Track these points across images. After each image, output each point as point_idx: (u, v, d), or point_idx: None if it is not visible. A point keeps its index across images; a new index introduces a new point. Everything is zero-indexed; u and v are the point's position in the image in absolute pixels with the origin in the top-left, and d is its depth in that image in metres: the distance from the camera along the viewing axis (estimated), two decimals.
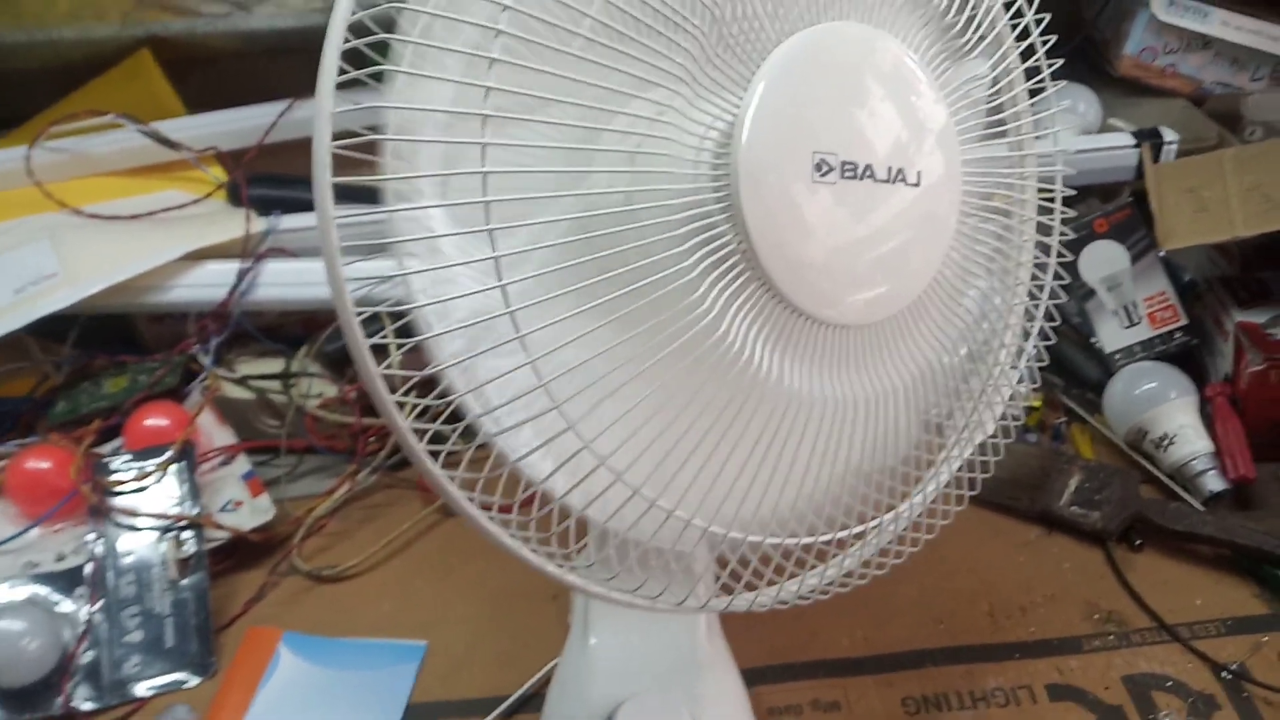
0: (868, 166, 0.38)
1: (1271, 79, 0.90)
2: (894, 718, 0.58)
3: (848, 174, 0.37)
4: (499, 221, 0.33)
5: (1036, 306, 0.49)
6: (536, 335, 0.35)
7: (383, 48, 0.35)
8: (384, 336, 0.36)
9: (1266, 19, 0.87)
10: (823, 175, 0.37)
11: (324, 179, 0.32)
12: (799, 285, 0.37)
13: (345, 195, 0.34)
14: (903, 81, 0.40)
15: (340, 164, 0.34)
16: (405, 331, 0.37)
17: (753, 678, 0.58)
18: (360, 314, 0.34)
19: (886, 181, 0.38)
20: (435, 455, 0.37)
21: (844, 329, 0.40)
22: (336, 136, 0.33)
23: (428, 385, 0.37)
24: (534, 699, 0.60)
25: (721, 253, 0.36)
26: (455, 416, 0.37)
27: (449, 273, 0.37)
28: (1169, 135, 0.83)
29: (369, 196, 0.36)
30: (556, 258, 0.36)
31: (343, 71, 0.33)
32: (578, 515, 0.39)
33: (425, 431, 0.36)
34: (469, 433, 0.37)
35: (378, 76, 0.36)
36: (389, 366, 0.35)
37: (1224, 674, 0.59)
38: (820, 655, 0.62)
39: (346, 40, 0.33)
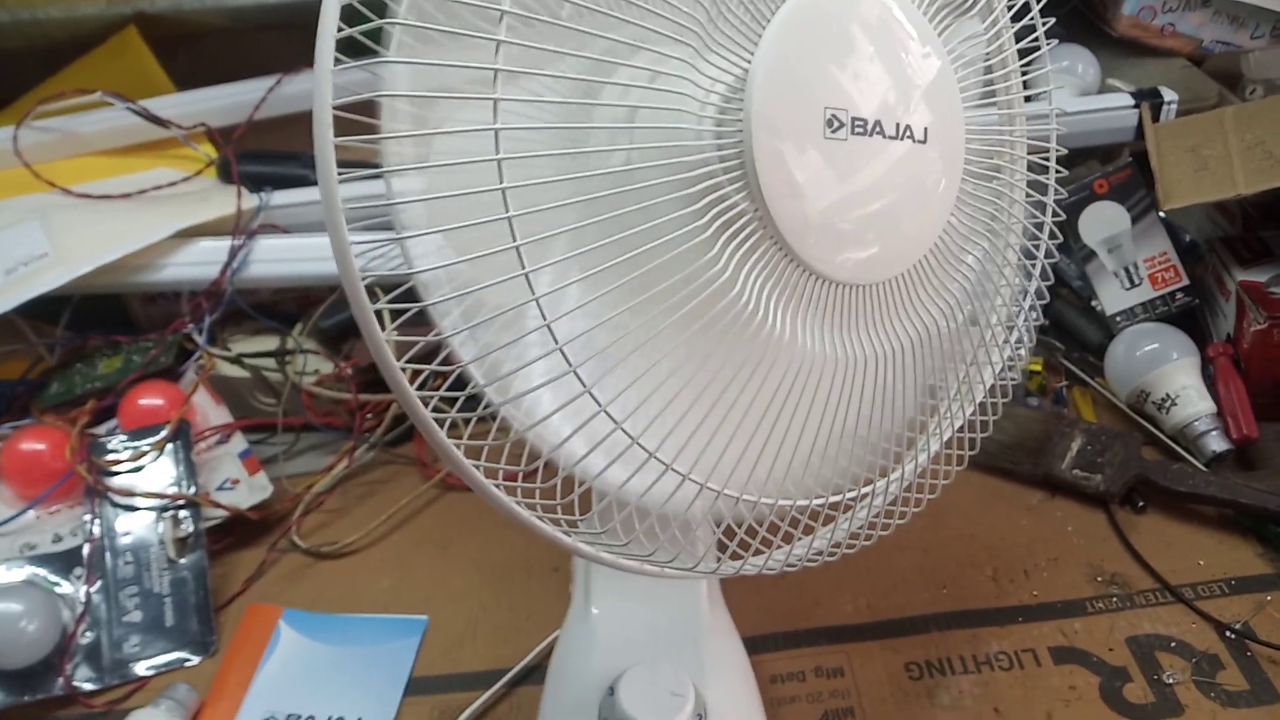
0: (877, 123, 0.37)
1: (1271, 36, 0.89)
2: (897, 683, 0.58)
3: (858, 130, 0.37)
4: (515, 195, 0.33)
5: (1033, 267, 0.48)
6: (549, 299, 0.34)
7: (379, 14, 0.34)
8: (388, 303, 0.35)
9: None
10: (834, 131, 0.36)
11: (326, 138, 0.31)
12: (810, 243, 0.37)
13: (341, 164, 0.33)
14: (906, 37, 0.39)
15: (340, 130, 0.33)
16: (409, 298, 0.36)
17: (755, 645, 0.58)
18: (365, 279, 0.33)
19: (895, 138, 0.38)
20: (442, 424, 0.36)
21: (852, 287, 0.39)
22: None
23: (434, 354, 0.36)
24: (536, 671, 0.60)
25: (733, 212, 0.36)
26: (460, 385, 0.37)
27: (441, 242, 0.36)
28: (1168, 95, 0.82)
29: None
30: (566, 221, 0.35)
31: (340, 30, 0.32)
32: (590, 483, 0.39)
33: (431, 400, 0.35)
34: (474, 401, 0.36)
35: (375, 38, 0.35)
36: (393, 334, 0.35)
37: (1228, 633, 0.59)
38: (823, 622, 0.61)
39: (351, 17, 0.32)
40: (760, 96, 0.35)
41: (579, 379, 0.35)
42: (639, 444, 0.37)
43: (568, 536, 0.40)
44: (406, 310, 0.35)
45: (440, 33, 0.35)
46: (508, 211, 0.32)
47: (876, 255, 0.39)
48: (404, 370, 0.34)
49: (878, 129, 0.37)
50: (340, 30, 0.32)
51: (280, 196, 0.81)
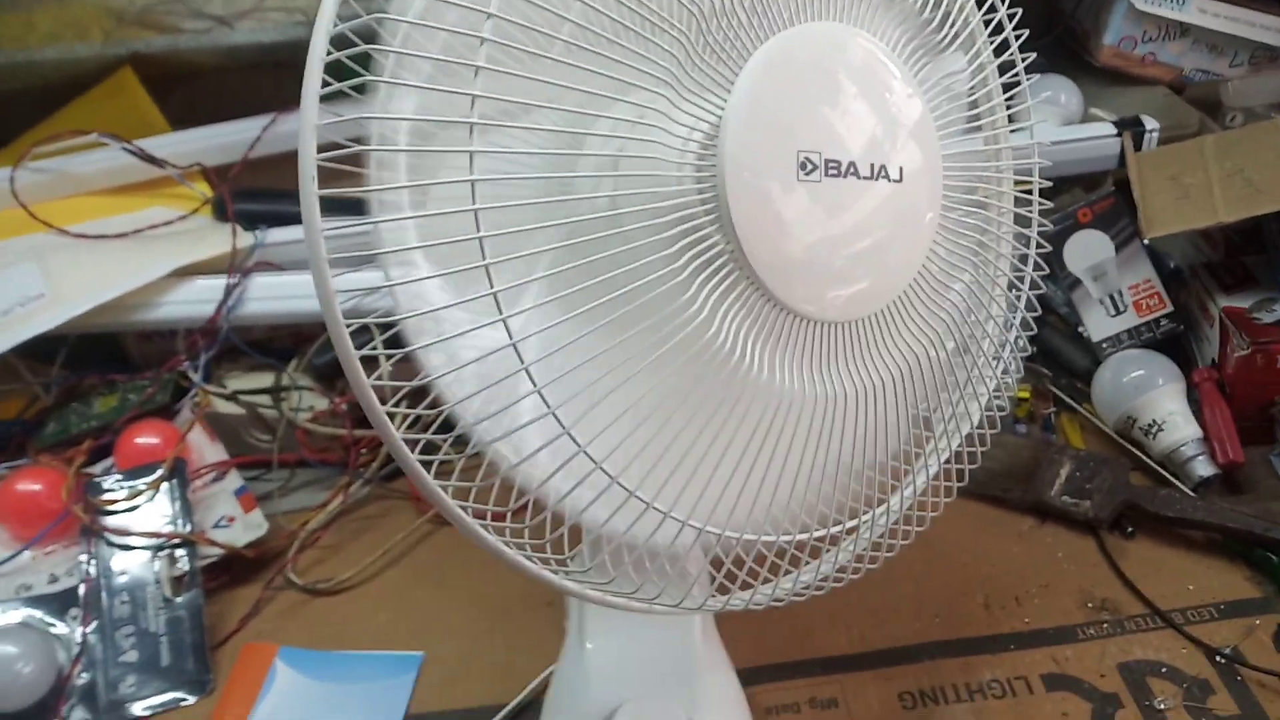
0: (850, 164, 0.38)
1: (1250, 64, 0.91)
2: (891, 713, 0.58)
3: (831, 172, 0.38)
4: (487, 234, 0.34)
5: (1018, 297, 0.49)
6: (529, 343, 0.35)
7: (365, 60, 0.35)
8: (373, 347, 0.36)
9: (1243, 5, 0.87)
10: (807, 174, 0.37)
11: (310, 191, 0.33)
12: (786, 283, 0.37)
13: (333, 207, 0.34)
14: (880, 79, 0.40)
15: (327, 176, 0.34)
16: (394, 342, 0.37)
17: (749, 677, 0.59)
18: (350, 325, 0.34)
19: (869, 178, 0.39)
20: (428, 465, 0.37)
21: (832, 325, 0.40)
22: (322, 149, 0.33)
23: (419, 395, 0.37)
24: (531, 706, 0.60)
25: (710, 254, 0.37)
26: (447, 426, 0.37)
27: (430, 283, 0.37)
28: (1150, 123, 0.83)
29: (356, 208, 0.36)
30: (546, 264, 0.36)
31: (326, 84, 0.33)
32: (574, 520, 0.39)
33: (417, 442, 0.36)
34: (460, 442, 0.37)
35: (360, 89, 0.36)
36: (379, 377, 0.36)
37: (1218, 658, 0.59)
38: (817, 653, 0.62)
39: (329, 53, 0.33)
40: (733, 140, 0.36)
41: (557, 420, 0.36)
42: (618, 483, 0.37)
43: (555, 575, 0.40)
44: (394, 354, 0.36)
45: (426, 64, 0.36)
46: (484, 259, 0.33)
47: (856, 293, 0.40)
48: (389, 413, 0.35)
49: (852, 170, 0.38)
50: (325, 85, 0.33)
51: (275, 234, 0.82)
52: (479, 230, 0.33)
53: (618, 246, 0.36)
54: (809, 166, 0.37)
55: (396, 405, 0.36)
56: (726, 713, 0.54)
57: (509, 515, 0.39)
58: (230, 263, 0.79)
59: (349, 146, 0.33)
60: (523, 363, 0.35)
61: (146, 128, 0.90)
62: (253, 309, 0.79)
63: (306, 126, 0.32)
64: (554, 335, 0.35)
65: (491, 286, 0.34)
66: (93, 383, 0.82)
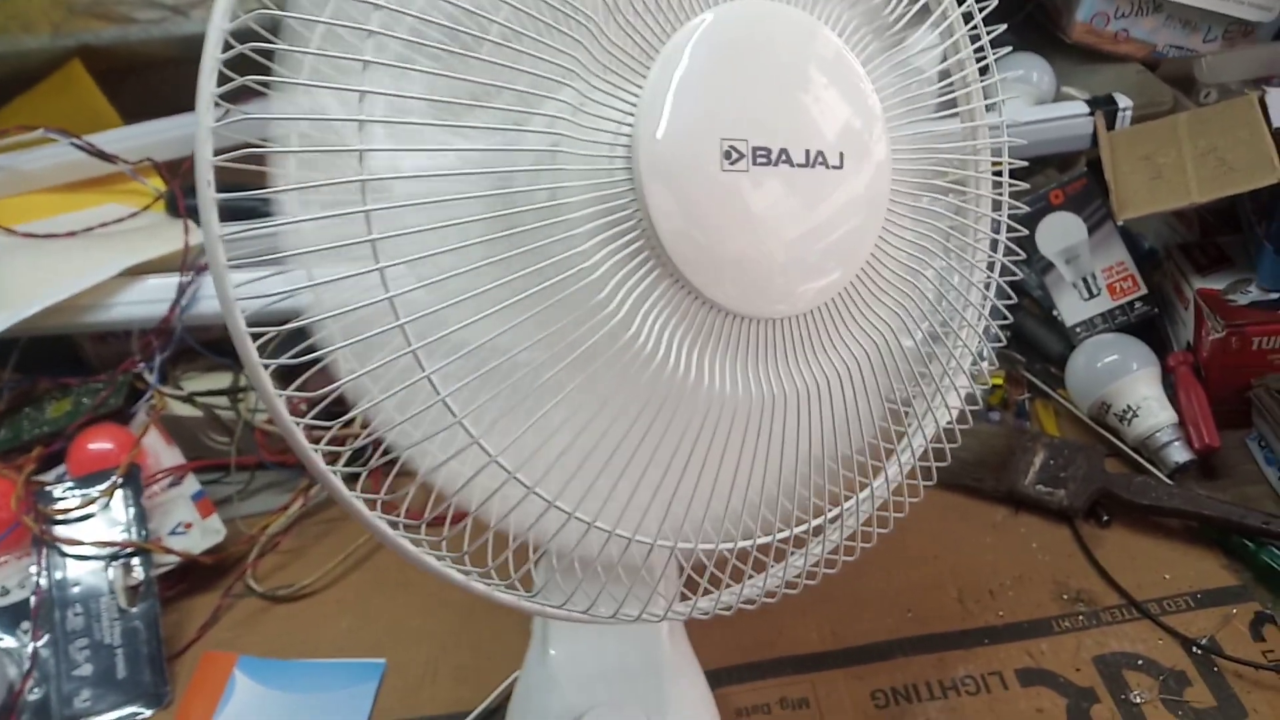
0: (782, 151, 0.36)
1: (1224, 39, 0.89)
2: (864, 711, 0.57)
3: (760, 160, 0.35)
4: (384, 229, 0.32)
5: (988, 284, 0.47)
6: (431, 346, 0.33)
7: (271, 53, 0.34)
8: (272, 353, 0.35)
9: None
10: (733, 163, 0.35)
11: (206, 195, 0.31)
12: (714, 279, 0.35)
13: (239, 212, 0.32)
14: (820, 58, 0.38)
15: (239, 175, 0.33)
16: (308, 348, 0.35)
17: (719, 678, 0.57)
18: (257, 335, 0.32)
19: (805, 165, 0.36)
20: (351, 479, 0.35)
21: (767, 321, 0.38)
22: (235, 147, 0.32)
23: (341, 406, 0.35)
24: (496, 713, 0.59)
25: (628, 250, 0.35)
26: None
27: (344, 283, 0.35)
28: (1123, 102, 0.82)
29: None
30: (452, 262, 0.34)
31: (225, 80, 0.31)
32: (511, 536, 0.38)
33: (337, 455, 0.34)
34: (385, 454, 0.35)
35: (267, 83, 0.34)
36: (296, 387, 0.34)
37: (1194, 649, 0.58)
38: (787, 651, 0.61)
39: (227, 47, 0.31)
40: (647, 131, 0.34)
41: (465, 430, 0.34)
42: (537, 494, 0.36)
43: (508, 595, 0.39)
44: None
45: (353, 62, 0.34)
46: (378, 262, 0.32)
47: (793, 287, 0.38)
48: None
49: (784, 158, 0.36)
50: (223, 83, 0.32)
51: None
52: (370, 232, 0.32)
53: (529, 244, 0.34)
54: (734, 155, 0.35)
55: (311, 415, 0.35)
56: (695, 716, 0.53)
57: (425, 527, 0.38)
58: (183, 260, 0.77)
59: (258, 145, 0.31)
60: (423, 369, 0.33)
61: (97, 122, 0.87)
62: (207, 308, 0.77)
63: (202, 129, 0.30)
64: (461, 337, 0.33)
65: (387, 291, 0.33)
66: (45, 387, 0.80)
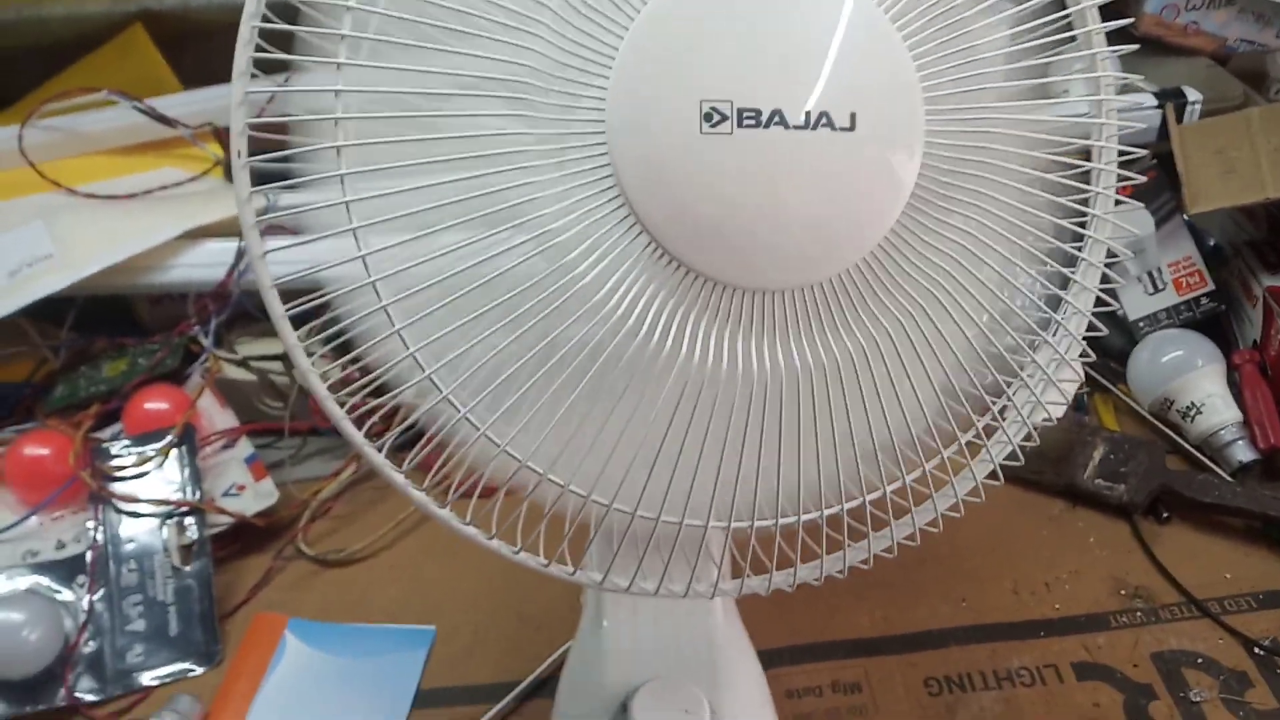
0: (775, 112, 0.32)
1: None
2: (917, 699, 0.56)
3: (748, 122, 0.32)
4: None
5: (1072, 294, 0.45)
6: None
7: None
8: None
9: None
10: (714, 126, 0.32)
11: (240, 163, 0.34)
12: (699, 249, 0.33)
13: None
14: (841, 14, 0.34)
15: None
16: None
17: (770, 659, 0.57)
18: (289, 309, 0.35)
19: (804, 128, 0.33)
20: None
21: (767, 294, 0.35)
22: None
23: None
24: (547, 684, 0.59)
25: (597, 217, 0.34)
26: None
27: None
28: (1192, 95, 0.80)
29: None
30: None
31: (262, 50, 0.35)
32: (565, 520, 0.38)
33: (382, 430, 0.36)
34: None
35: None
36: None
37: (1256, 650, 0.57)
38: (840, 635, 0.60)
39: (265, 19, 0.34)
40: (621, 96, 0.32)
41: (453, 404, 0.35)
42: (528, 465, 0.37)
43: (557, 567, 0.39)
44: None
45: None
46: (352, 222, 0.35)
47: (795, 258, 0.35)
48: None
49: (777, 119, 0.33)
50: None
51: (288, 197, 0.80)
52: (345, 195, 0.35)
53: (507, 202, 0.34)
54: (715, 118, 0.32)
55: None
56: (748, 695, 0.52)
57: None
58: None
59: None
60: (408, 347, 0.34)
61: (157, 87, 0.87)
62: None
63: (235, 98, 0.34)
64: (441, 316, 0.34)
65: (360, 249, 0.34)
66: (102, 346, 0.80)
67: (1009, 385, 0.43)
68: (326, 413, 0.39)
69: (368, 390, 0.39)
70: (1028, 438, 0.45)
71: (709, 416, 0.36)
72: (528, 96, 0.34)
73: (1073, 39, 0.41)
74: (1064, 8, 0.40)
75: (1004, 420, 0.45)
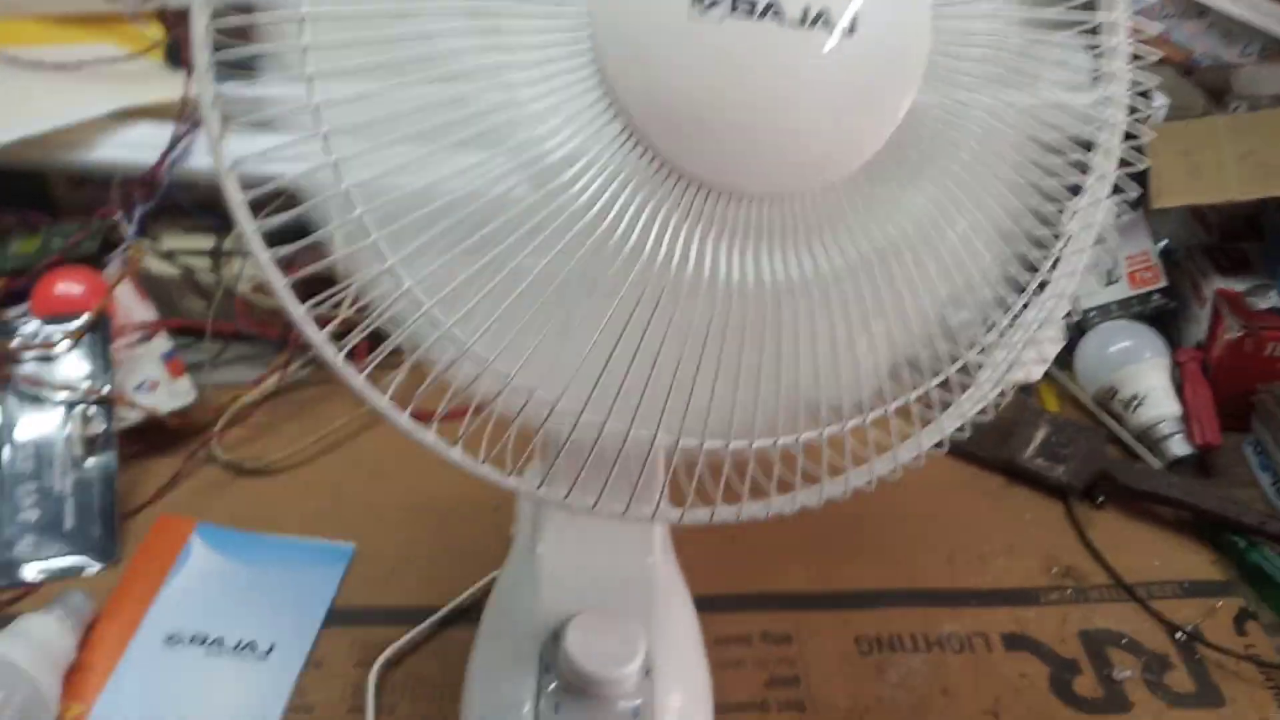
0: (770, 5, 0.30)
1: (1260, 56, 0.89)
2: (846, 655, 0.56)
3: (740, 10, 0.30)
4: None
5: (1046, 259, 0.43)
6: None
7: None
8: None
9: None
10: (703, 11, 0.30)
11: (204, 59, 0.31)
12: (676, 142, 0.31)
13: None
14: None
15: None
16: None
17: (702, 605, 0.55)
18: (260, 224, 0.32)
19: (800, 24, 0.30)
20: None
21: (761, 200, 0.33)
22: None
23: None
24: (468, 612, 0.56)
25: (576, 105, 0.31)
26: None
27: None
28: (1159, 99, 0.81)
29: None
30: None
31: None
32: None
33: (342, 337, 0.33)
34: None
35: None
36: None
37: (1178, 635, 0.58)
38: (773, 587, 0.59)
39: None
40: None
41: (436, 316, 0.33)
42: (492, 367, 0.34)
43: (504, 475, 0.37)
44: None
45: None
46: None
47: (766, 162, 0.33)
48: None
49: (771, 11, 0.30)
50: None
51: (231, 88, 0.75)
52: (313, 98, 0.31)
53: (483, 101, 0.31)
54: (706, 1, 0.30)
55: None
56: (682, 635, 0.51)
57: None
58: (180, 111, 0.72)
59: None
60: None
61: None
62: (199, 163, 0.72)
63: None
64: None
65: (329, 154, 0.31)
66: (10, 222, 0.74)
67: (980, 347, 0.42)
68: (290, 314, 0.35)
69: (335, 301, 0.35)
70: (997, 401, 0.43)
71: (668, 321, 0.34)
72: None
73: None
74: None
75: (977, 377, 0.44)
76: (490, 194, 0.32)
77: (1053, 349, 0.42)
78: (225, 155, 0.34)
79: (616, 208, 0.32)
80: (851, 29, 0.31)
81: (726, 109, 0.31)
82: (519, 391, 0.35)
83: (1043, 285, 0.42)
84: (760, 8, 0.30)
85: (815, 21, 0.30)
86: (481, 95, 0.32)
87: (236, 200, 0.34)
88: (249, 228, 0.35)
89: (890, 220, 0.36)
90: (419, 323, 0.34)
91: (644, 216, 0.32)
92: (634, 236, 0.32)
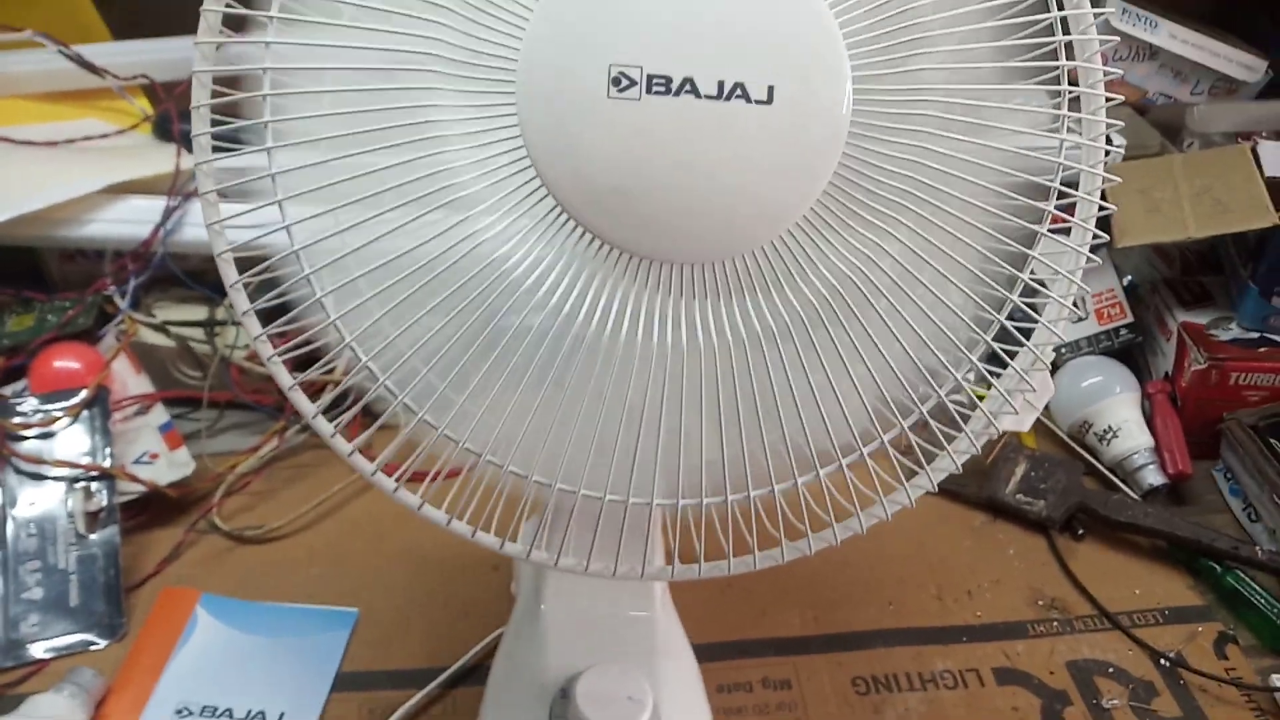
0: (686, 80, 0.32)
1: (1210, 94, 0.93)
2: (845, 697, 0.57)
3: (657, 89, 0.32)
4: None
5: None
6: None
7: None
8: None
9: (1210, 35, 0.89)
10: (621, 91, 0.32)
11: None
12: (606, 217, 0.33)
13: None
14: None
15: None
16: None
17: (702, 654, 0.56)
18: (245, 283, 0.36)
19: (716, 98, 0.32)
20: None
21: (693, 266, 0.35)
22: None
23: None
24: (474, 672, 0.57)
25: (509, 184, 0.34)
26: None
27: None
28: (1116, 140, 0.84)
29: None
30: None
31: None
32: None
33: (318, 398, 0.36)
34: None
35: None
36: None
37: (1162, 661, 0.60)
38: (770, 633, 0.61)
39: None
40: (532, 63, 0.32)
41: (390, 391, 0.36)
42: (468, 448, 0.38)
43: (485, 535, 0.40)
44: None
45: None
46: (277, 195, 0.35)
47: (696, 231, 0.34)
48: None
49: (688, 88, 0.32)
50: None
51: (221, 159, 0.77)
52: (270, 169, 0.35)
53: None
54: (623, 83, 0.32)
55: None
56: (685, 683, 0.52)
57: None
58: (172, 184, 0.74)
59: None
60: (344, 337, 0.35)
61: (85, 34, 0.83)
62: (191, 235, 0.74)
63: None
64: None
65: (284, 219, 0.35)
66: (4, 298, 0.75)
67: (962, 390, 0.43)
68: (289, 398, 0.38)
69: (319, 367, 0.38)
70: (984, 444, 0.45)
71: (627, 389, 0.36)
72: (442, 70, 0.33)
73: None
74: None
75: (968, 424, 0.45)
76: (430, 263, 0.34)
77: (1044, 397, 0.44)
78: (221, 240, 0.38)
79: (560, 284, 0.35)
80: (769, 98, 0.32)
81: (650, 183, 0.33)
82: (492, 465, 0.38)
83: (1026, 333, 0.44)
84: (676, 84, 0.32)
85: (731, 94, 0.32)
86: (422, 165, 0.34)
87: (231, 280, 0.37)
88: (242, 306, 0.38)
89: (862, 266, 0.37)
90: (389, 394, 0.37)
91: (591, 291, 0.35)
92: (578, 307, 0.35)
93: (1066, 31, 0.40)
